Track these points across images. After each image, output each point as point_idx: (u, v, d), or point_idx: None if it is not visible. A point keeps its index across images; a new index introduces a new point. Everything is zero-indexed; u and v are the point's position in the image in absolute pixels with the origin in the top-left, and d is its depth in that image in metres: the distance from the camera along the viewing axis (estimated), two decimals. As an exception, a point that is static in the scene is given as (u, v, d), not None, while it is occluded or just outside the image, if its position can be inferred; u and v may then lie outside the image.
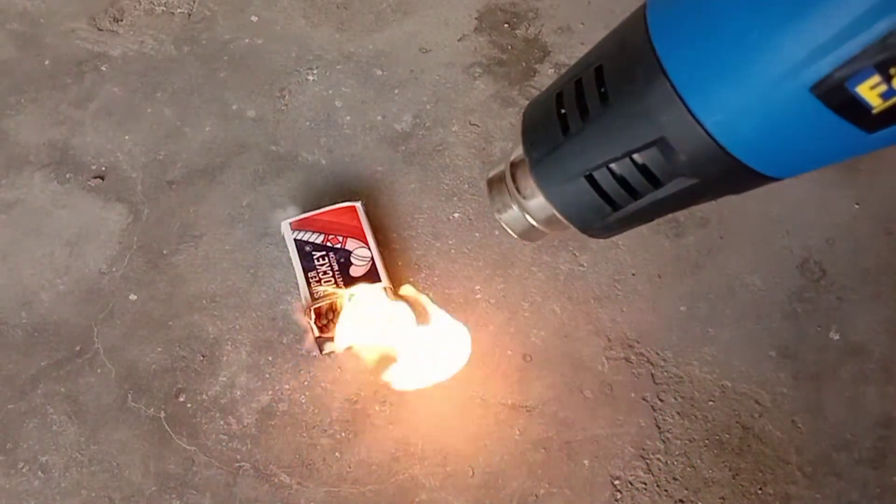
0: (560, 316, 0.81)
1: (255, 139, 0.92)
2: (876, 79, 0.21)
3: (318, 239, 0.81)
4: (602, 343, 0.79)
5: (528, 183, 0.33)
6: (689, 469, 0.73)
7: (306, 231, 0.82)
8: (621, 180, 0.29)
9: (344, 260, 0.80)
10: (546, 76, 0.97)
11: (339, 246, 0.81)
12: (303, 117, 0.94)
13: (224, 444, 0.74)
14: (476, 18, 1.02)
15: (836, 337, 0.79)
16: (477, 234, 0.85)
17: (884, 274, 0.83)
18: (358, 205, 0.84)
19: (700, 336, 0.80)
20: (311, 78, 0.97)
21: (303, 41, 1.00)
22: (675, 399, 0.76)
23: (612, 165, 0.28)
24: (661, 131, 0.26)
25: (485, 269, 0.83)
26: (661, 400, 0.76)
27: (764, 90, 0.23)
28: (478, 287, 0.82)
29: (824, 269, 0.83)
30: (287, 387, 0.77)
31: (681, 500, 0.72)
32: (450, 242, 0.85)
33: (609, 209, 0.30)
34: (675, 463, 0.74)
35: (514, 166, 0.34)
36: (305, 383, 0.77)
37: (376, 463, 0.73)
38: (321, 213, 0.83)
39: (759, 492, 0.73)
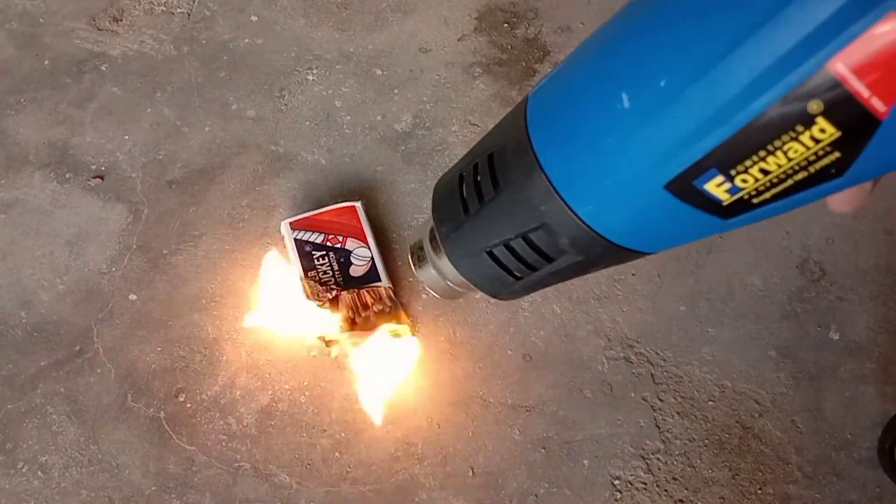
0: (560, 316, 0.81)
1: (255, 139, 0.92)
2: (720, 178, 0.24)
3: (318, 239, 0.81)
4: (602, 343, 0.79)
5: (442, 249, 0.37)
6: (688, 469, 0.73)
7: (306, 231, 0.82)
8: (518, 256, 0.32)
9: (344, 260, 0.80)
10: (546, 76, 0.97)
11: (339, 246, 0.81)
12: (303, 117, 0.94)
13: (224, 444, 0.74)
14: (476, 18, 1.02)
15: (836, 337, 0.79)
16: (477, 234, 0.85)
17: (884, 274, 0.83)
18: (358, 205, 0.84)
19: (700, 336, 0.80)
20: (310, 78, 0.97)
21: (303, 41, 1.00)
22: (675, 399, 0.76)
23: (510, 243, 0.31)
24: (543, 218, 0.29)
25: (485, 269, 0.83)
26: (660, 400, 0.76)
27: (624, 187, 0.26)
28: (478, 287, 0.82)
29: (824, 269, 0.83)
30: (287, 387, 0.77)
31: (681, 500, 0.72)
32: (450, 242, 0.85)
33: (511, 279, 0.33)
34: (675, 463, 0.74)
35: (432, 232, 0.38)
36: (305, 383, 0.77)
37: (376, 463, 0.73)
38: (321, 213, 0.83)
39: (759, 492, 0.73)
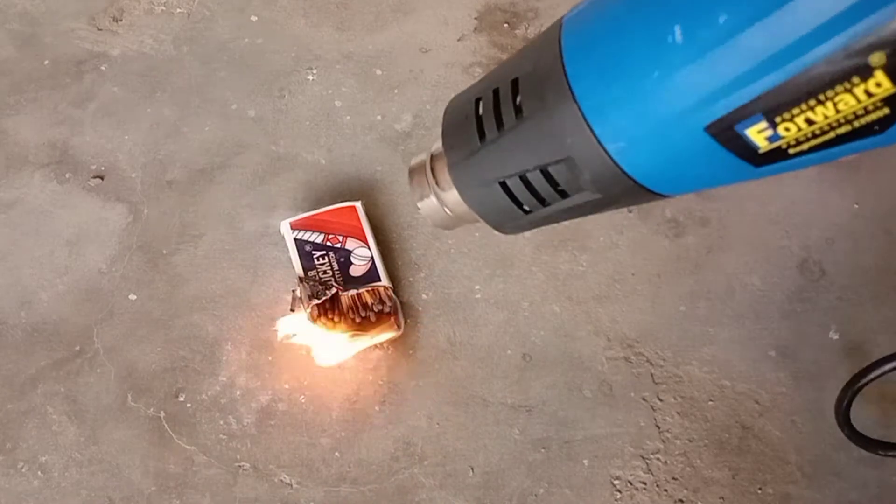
0: (560, 316, 0.81)
1: (255, 139, 0.92)
2: (763, 124, 0.23)
3: (318, 238, 0.81)
4: (602, 343, 0.79)
5: (446, 177, 0.34)
6: (688, 469, 0.73)
7: (306, 231, 0.82)
8: (532, 189, 0.30)
9: (344, 259, 0.80)
10: (546, 76, 0.97)
11: (338, 245, 0.81)
12: (302, 117, 0.94)
13: (224, 443, 0.74)
14: (475, 18, 1.02)
15: (836, 337, 0.79)
16: (477, 234, 0.85)
17: (884, 274, 0.83)
18: (358, 204, 0.84)
19: (699, 336, 0.80)
20: (310, 78, 0.97)
21: (303, 41, 1.00)
22: (675, 399, 0.76)
23: (526, 175, 0.30)
24: (568, 151, 0.28)
25: (484, 269, 0.83)
26: (660, 400, 0.76)
27: (663, 125, 0.25)
28: (477, 287, 0.82)
29: (824, 268, 0.83)
30: (287, 387, 0.77)
31: (680, 500, 0.72)
32: (449, 242, 0.85)
33: (520, 213, 0.32)
34: (675, 463, 0.74)
35: (434, 159, 0.36)
36: (305, 383, 0.77)
37: (376, 462, 0.73)
38: (321, 213, 0.83)
39: (759, 492, 0.73)
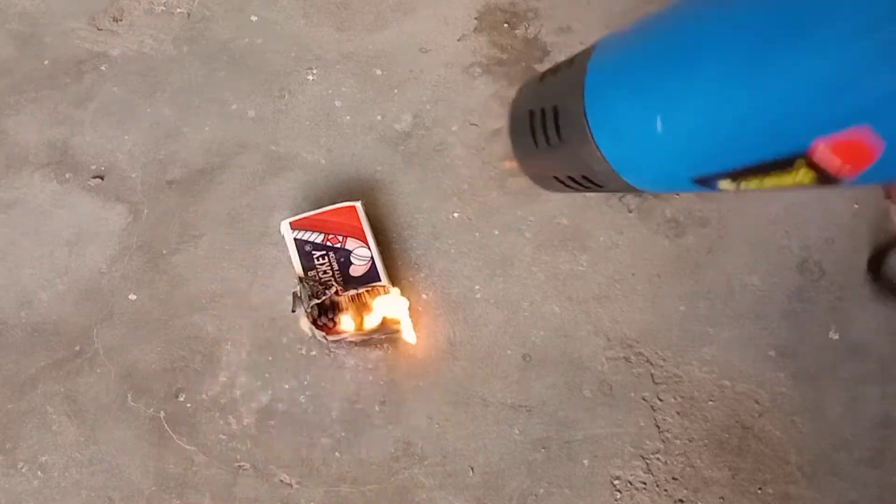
0: (560, 316, 0.81)
1: (255, 139, 0.92)
2: (729, 181, 0.33)
3: (318, 238, 0.81)
4: (602, 343, 0.79)
5: None
6: (688, 469, 0.73)
7: (306, 230, 0.82)
8: (574, 181, 0.42)
9: (344, 259, 0.80)
10: (546, 76, 0.97)
11: (338, 245, 0.81)
12: (303, 117, 0.94)
13: (224, 443, 0.74)
14: (475, 18, 1.02)
15: (836, 337, 0.79)
16: (477, 234, 0.85)
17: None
18: (358, 204, 0.84)
19: (699, 336, 0.80)
20: (310, 78, 0.97)
21: (303, 41, 1.00)
22: (675, 399, 0.76)
23: (568, 174, 0.42)
24: (595, 173, 0.39)
25: (484, 269, 0.83)
26: (660, 400, 0.76)
27: (661, 173, 0.36)
28: (477, 287, 0.82)
29: (824, 269, 0.83)
30: (287, 386, 0.77)
31: (680, 500, 0.72)
32: (449, 242, 0.85)
33: (568, 189, 0.44)
34: (675, 463, 0.74)
35: None
36: (305, 383, 0.77)
37: (376, 462, 0.73)
38: (321, 213, 0.83)
39: (759, 491, 0.73)
